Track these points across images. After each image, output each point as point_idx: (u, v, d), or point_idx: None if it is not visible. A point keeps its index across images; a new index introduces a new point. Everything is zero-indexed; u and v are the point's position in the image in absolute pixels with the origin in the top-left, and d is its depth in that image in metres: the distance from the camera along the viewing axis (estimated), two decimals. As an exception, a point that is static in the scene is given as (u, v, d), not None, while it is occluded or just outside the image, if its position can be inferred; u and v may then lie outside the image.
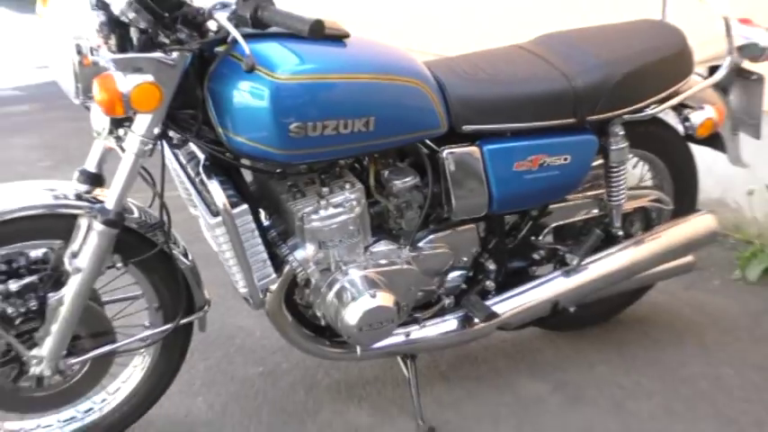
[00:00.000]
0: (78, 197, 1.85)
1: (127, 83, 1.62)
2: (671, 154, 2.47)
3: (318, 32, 1.62)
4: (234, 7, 1.69)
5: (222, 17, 1.66)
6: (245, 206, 1.83)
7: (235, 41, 1.72)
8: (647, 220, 2.50)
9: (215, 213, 1.82)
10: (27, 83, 7.72)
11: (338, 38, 1.86)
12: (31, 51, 8.46)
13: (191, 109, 1.82)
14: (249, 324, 2.71)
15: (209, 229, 1.87)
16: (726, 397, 2.24)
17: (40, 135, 5.82)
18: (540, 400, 2.27)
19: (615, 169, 2.27)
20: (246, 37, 1.72)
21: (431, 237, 2.13)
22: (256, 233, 1.87)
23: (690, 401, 2.23)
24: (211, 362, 2.55)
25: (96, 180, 1.89)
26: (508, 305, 2.23)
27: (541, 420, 2.18)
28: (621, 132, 2.23)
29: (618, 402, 2.24)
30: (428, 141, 2.04)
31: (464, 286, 2.24)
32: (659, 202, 2.48)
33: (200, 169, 1.84)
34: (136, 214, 1.93)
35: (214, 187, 1.81)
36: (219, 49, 1.78)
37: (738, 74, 2.35)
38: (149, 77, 1.65)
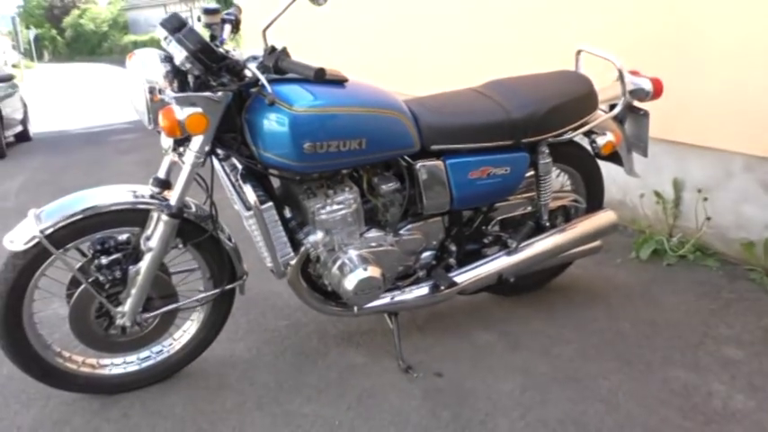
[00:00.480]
0: (152, 197, 1.84)
1: (182, 113, 1.61)
2: (584, 167, 2.44)
3: (320, 77, 1.61)
4: (261, 59, 1.68)
5: (252, 66, 1.65)
6: (270, 203, 1.81)
7: (263, 84, 1.71)
8: (566, 215, 2.46)
9: (248, 208, 1.80)
10: (133, 119, 7.93)
11: (339, 81, 1.85)
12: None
13: (232, 133, 1.80)
14: (279, 289, 2.68)
15: (245, 219, 1.86)
16: (624, 344, 2.20)
17: (141, 154, 6.37)
18: (489, 346, 2.24)
19: (543, 178, 2.24)
20: (273, 81, 1.71)
21: (409, 226, 2.11)
22: (279, 223, 1.85)
23: (598, 348, 2.19)
24: (250, 317, 2.52)
25: (165, 185, 1.87)
26: (466, 276, 2.20)
27: (490, 361, 2.14)
28: (547, 151, 2.21)
29: (546, 348, 2.21)
30: (406, 157, 2.02)
31: (433, 263, 2.21)
32: (576, 202, 2.45)
33: (238, 176, 1.82)
34: (193, 209, 1.91)
35: (248, 189, 1.79)
36: (253, 90, 1.77)
37: (630, 110, 2.33)
38: (199, 109, 1.64)
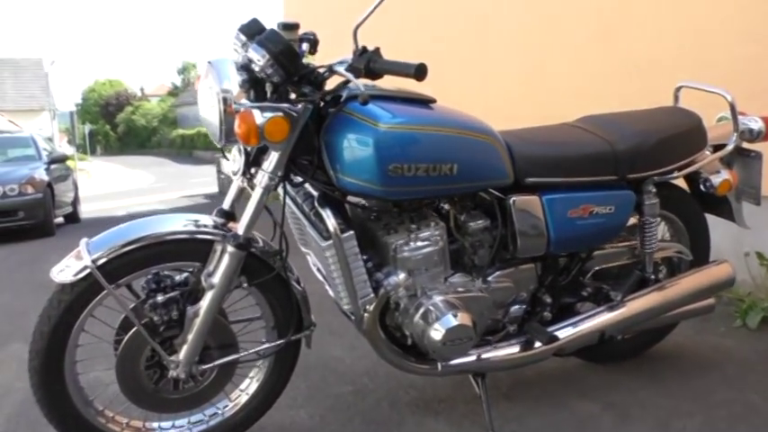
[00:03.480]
0: (215, 227, 1.63)
1: (262, 117, 1.42)
2: (688, 215, 2.16)
3: (422, 73, 1.41)
4: (350, 61, 1.50)
5: (342, 69, 1.47)
6: (351, 232, 1.58)
7: (346, 101, 1.53)
8: (671, 269, 2.16)
9: (326, 237, 1.57)
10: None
11: (426, 101, 1.66)
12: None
13: (308, 156, 1.61)
14: (340, 354, 2.41)
15: (320, 252, 1.61)
16: (760, 418, 1.84)
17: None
18: (593, 417, 1.89)
19: (648, 222, 1.97)
20: (354, 98, 1.53)
21: (498, 273, 1.83)
22: (359, 256, 1.61)
23: (729, 421, 1.83)
24: (310, 382, 2.22)
25: (230, 216, 1.67)
26: (564, 333, 1.88)
27: (597, 434, 1.80)
28: (653, 190, 1.95)
29: (663, 421, 1.85)
30: (495, 192, 1.79)
31: (524, 316, 1.92)
32: (681, 253, 2.15)
33: (315, 202, 1.60)
34: (260, 244, 1.69)
35: (327, 215, 1.56)
36: (332, 109, 1.59)
37: (739, 152, 2.08)
38: (280, 113, 1.45)
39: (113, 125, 43.98)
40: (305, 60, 1.60)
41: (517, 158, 1.76)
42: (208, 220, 1.65)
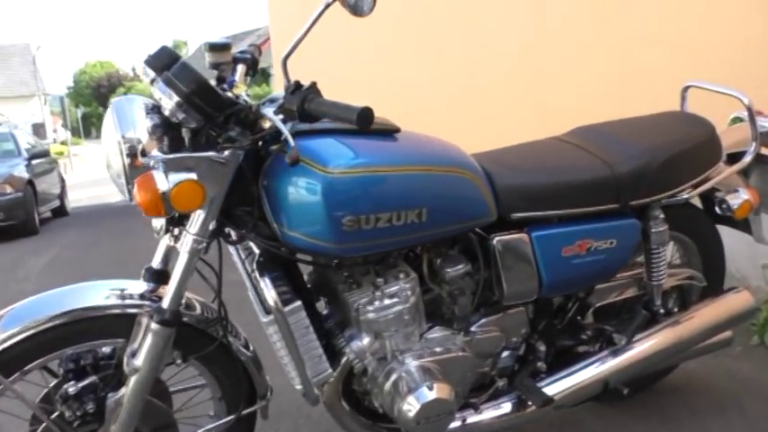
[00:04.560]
0: (141, 296, 1.35)
1: (167, 182, 1.12)
2: (700, 234, 1.87)
3: (367, 120, 1.10)
4: (281, 101, 1.20)
5: (270, 111, 1.17)
6: (297, 303, 1.29)
7: (284, 136, 1.24)
8: (682, 297, 1.89)
9: (267, 311, 1.29)
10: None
11: (388, 132, 1.37)
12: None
13: (246, 206, 1.31)
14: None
15: (264, 326, 1.34)
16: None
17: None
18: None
19: (656, 251, 1.69)
20: (299, 134, 1.23)
21: (483, 320, 1.56)
22: (310, 329, 1.33)
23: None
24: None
25: (161, 277, 1.39)
26: (561, 386, 1.62)
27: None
28: (661, 216, 1.66)
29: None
30: (477, 229, 1.51)
31: (516, 367, 1.65)
32: (693, 279, 1.88)
33: (254, 266, 1.32)
34: (197, 310, 1.41)
35: (266, 285, 1.28)
36: (274, 147, 1.30)
37: (758, 159, 1.78)
38: (192, 176, 1.16)
39: (106, 107, 43.31)
40: (238, 91, 1.30)
41: (500, 191, 1.48)
42: (135, 287, 1.37)
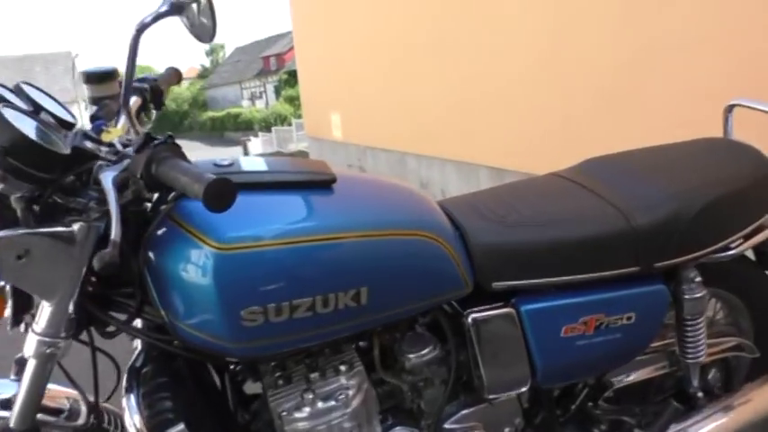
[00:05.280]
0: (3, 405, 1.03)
1: None
2: (751, 291, 1.46)
3: (218, 198, 0.75)
4: (130, 158, 0.86)
5: (109, 179, 0.83)
6: (181, 426, 0.95)
7: (177, 197, 0.90)
8: (727, 373, 1.48)
9: None
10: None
11: (322, 184, 1.02)
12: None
13: (125, 287, 0.98)
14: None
15: None
16: None
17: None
18: None
19: (690, 322, 1.29)
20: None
21: (461, 413, 1.20)
22: None
23: None
24: None
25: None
26: (564, 502, 1.25)
27: None
28: (698, 279, 1.27)
29: None
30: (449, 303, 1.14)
31: (505, 472, 1.28)
32: (741, 349, 1.47)
33: (127, 371, 0.99)
34: (65, 409, 1.08)
35: (130, 406, 0.94)
36: (164, 206, 0.96)
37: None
38: None
39: (146, 111, 44.03)
40: (110, 137, 0.96)
41: (477, 252, 1.11)
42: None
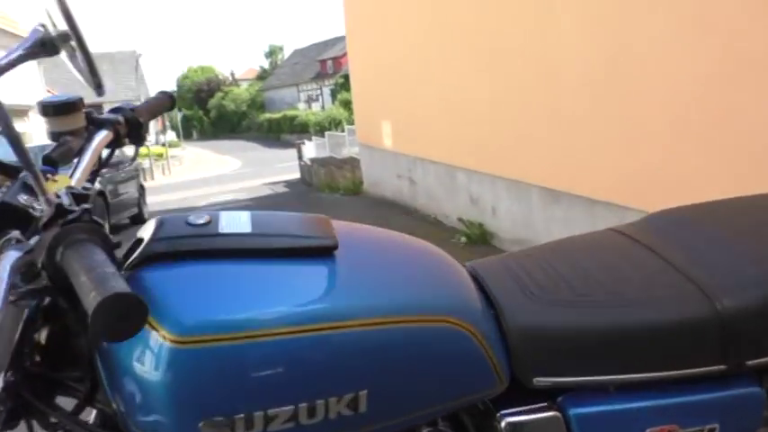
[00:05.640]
0: None
1: None
2: None
3: (110, 319, 0.56)
4: (31, 244, 0.67)
5: (7, 264, 0.64)
6: None
7: (139, 265, 0.72)
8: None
9: None
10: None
11: (319, 251, 0.81)
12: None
13: (72, 370, 0.80)
14: None
15: None
16: None
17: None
18: None
19: (792, 430, 1.02)
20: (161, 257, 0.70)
21: None
22: None
23: None
24: None
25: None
26: None
27: None
28: (803, 379, 0.99)
29: None
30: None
31: None
32: None
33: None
34: None
35: None
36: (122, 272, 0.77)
37: None
38: None
39: (206, 111, 45.18)
40: (57, 186, 0.78)
41: (515, 340, 0.88)
42: None
